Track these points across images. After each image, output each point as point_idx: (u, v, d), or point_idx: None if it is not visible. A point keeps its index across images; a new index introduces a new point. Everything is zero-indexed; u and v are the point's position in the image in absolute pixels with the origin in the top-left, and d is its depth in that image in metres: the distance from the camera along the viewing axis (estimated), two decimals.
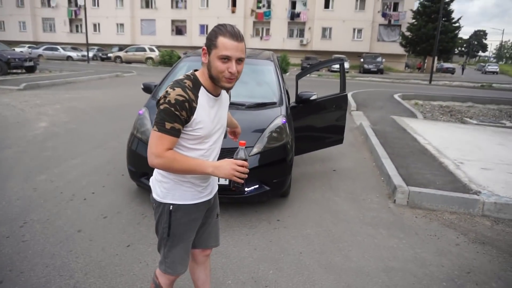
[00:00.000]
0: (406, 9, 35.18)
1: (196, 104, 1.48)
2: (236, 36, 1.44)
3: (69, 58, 30.91)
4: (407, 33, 33.71)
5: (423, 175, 4.37)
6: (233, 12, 37.29)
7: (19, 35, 41.89)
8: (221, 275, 2.55)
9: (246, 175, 1.52)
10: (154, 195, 1.67)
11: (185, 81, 1.50)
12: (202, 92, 1.52)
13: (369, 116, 8.60)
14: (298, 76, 4.54)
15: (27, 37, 41.42)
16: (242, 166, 1.50)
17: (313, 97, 4.20)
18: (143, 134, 3.51)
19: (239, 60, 1.47)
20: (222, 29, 1.45)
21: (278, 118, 3.63)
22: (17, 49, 20.53)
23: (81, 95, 10.46)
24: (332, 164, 5.17)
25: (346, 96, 4.57)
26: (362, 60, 31.45)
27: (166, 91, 1.45)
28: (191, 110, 1.46)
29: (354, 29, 36.41)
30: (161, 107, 1.44)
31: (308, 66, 28.24)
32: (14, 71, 14.70)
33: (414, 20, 33.72)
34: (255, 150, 3.33)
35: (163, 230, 1.66)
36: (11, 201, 3.53)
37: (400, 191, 3.90)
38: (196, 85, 1.51)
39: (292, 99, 4.45)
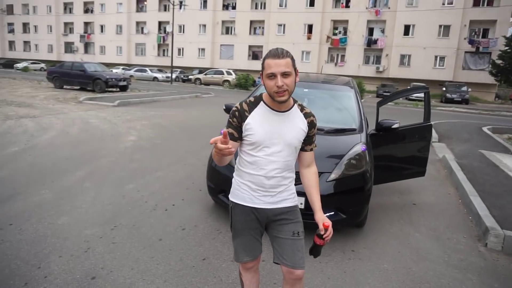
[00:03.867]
0: (498, 36, 32.38)
1: (249, 113, 1.74)
2: (278, 54, 1.63)
3: (155, 78, 33.95)
4: (499, 61, 30.85)
5: None
6: (308, 38, 37.83)
7: (115, 58, 47.30)
8: None
9: None
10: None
11: (250, 97, 1.83)
12: (261, 106, 1.76)
13: (453, 149, 7.96)
14: (380, 104, 4.41)
15: (121, 60, 46.61)
16: None
17: (394, 126, 4.04)
18: None
19: (285, 74, 1.62)
20: (267, 53, 1.67)
21: (357, 145, 3.55)
22: (114, 70, 23.23)
23: (165, 113, 11.34)
24: (411, 197, 4.85)
25: (430, 126, 4.32)
26: (444, 89, 29.46)
27: None
28: (242, 118, 1.73)
29: (436, 57, 34.40)
30: None
31: (385, 93, 26.65)
32: (111, 89, 16.56)
33: (507, 48, 30.81)
34: (333, 176, 3.28)
35: (230, 222, 1.93)
36: (104, 205, 3.91)
37: (494, 234, 3.51)
38: (257, 100, 1.78)
39: (372, 126, 4.32)
